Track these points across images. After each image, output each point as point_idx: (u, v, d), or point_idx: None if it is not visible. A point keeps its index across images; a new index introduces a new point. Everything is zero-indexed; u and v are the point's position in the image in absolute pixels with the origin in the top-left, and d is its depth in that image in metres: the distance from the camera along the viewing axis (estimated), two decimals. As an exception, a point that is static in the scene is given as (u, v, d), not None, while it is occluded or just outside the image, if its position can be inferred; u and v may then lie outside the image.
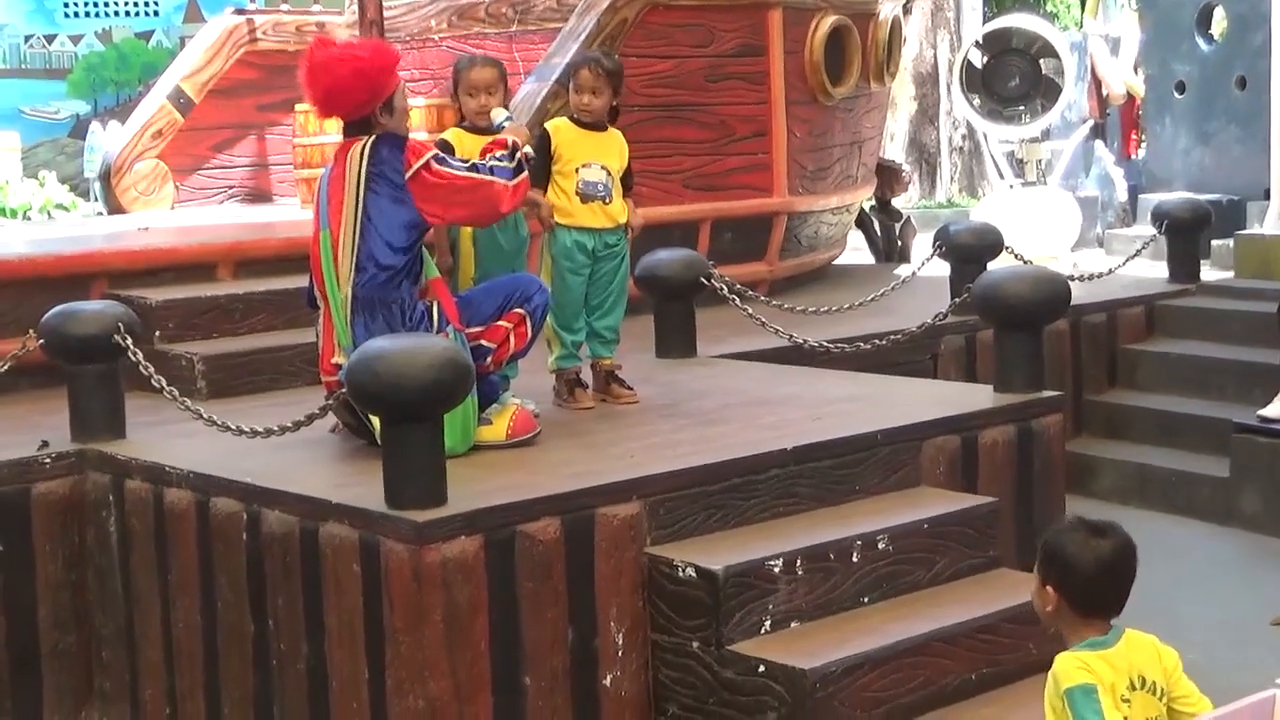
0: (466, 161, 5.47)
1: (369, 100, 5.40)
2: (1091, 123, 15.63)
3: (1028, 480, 5.99)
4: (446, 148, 5.73)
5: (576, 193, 6.13)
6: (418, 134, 6.04)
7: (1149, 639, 3.56)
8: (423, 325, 5.36)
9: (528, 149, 5.66)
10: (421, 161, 5.33)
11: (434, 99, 9.54)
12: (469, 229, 5.89)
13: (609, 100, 6.20)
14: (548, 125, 6.30)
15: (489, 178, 5.40)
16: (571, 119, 6.23)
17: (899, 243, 12.37)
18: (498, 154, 5.49)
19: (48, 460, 5.77)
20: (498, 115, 5.88)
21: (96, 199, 11.83)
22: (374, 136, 5.39)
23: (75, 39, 21.38)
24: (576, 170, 6.14)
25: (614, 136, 6.28)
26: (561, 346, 6.22)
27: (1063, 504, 6.13)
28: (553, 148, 6.15)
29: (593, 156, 6.18)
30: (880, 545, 5.17)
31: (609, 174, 6.19)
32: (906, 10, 12.55)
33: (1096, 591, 3.52)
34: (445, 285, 5.56)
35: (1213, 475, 7.90)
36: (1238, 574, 7.17)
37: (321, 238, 5.43)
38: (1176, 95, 13.06)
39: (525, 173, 5.53)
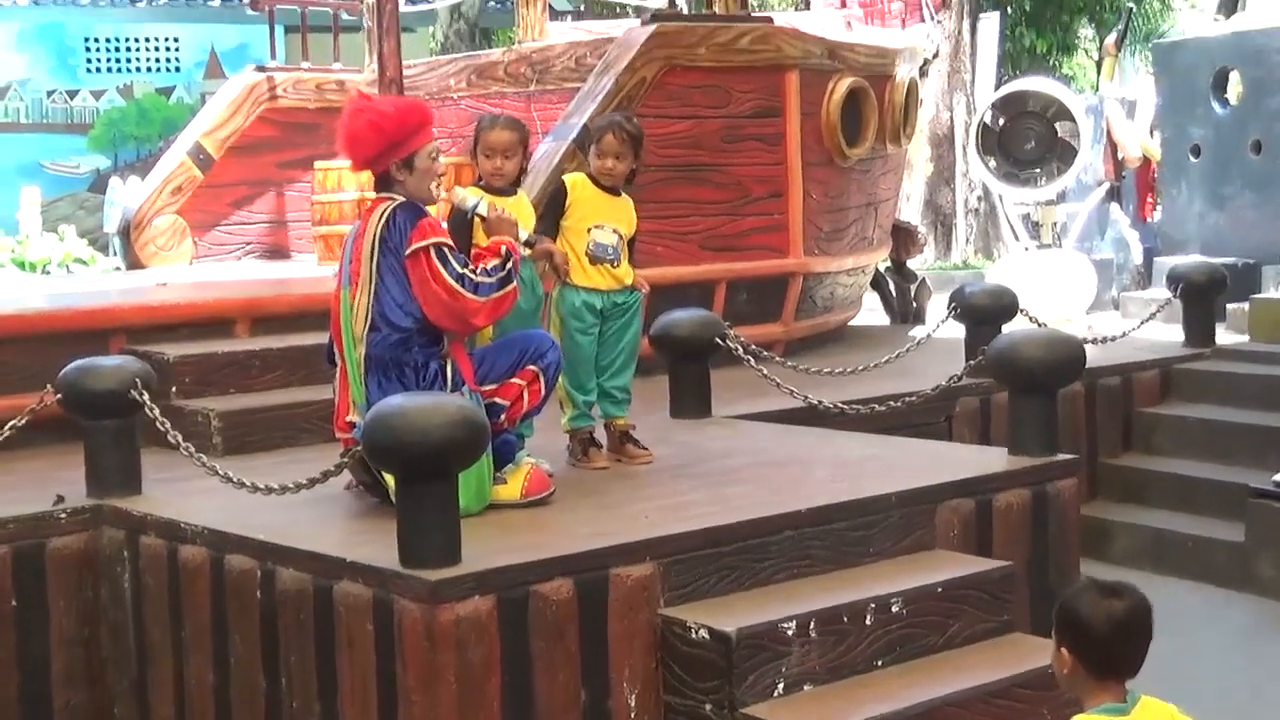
0: (462, 263, 5.40)
1: (384, 154, 5.44)
2: (1107, 185, 15.65)
3: (1042, 544, 5.98)
4: (462, 225, 5.73)
5: (586, 253, 6.15)
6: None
7: (1167, 709, 3.54)
8: (436, 384, 5.38)
9: (524, 240, 5.66)
10: (422, 245, 5.34)
11: (452, 157, 9.60)
12: None
13: (630, 164, 6.22)
14: (566, 179, 6.31)
15: (468, 294, 5.35)
16: (590, 178, 6.25)
17: (914, 304, 12.38)
18: (490, 264, 5.44)
19: (63, 515, 5.78)
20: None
21: (115, 254, 11.90)
22: (396, 203, 5.43)
23: (97, 94, 21.55)
24: (589, 230, 6.16)
25: (627, 202, 6.30)
26: (574, 407, 6.23)
27: (1078, 568, 6.11)
28: (567, 202, 6.17)
29: (606, 218, 6.20)
30: (894, 608, 5.16)
31: (620, 237, 6.22)
32: (923, 72, 12.58)
33: (1111, 653, 3.51)
34: (462, 345, 5.57)
35: (1228, 540, 7.86)
36: (1253, 640, 7.13)
37: (343, 295, 5.46)
38: (1192, 159, 13.08)
39: (514, 283, 5.50)
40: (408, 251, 5.35)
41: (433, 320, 5.41)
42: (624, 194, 6.30)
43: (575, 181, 6.25)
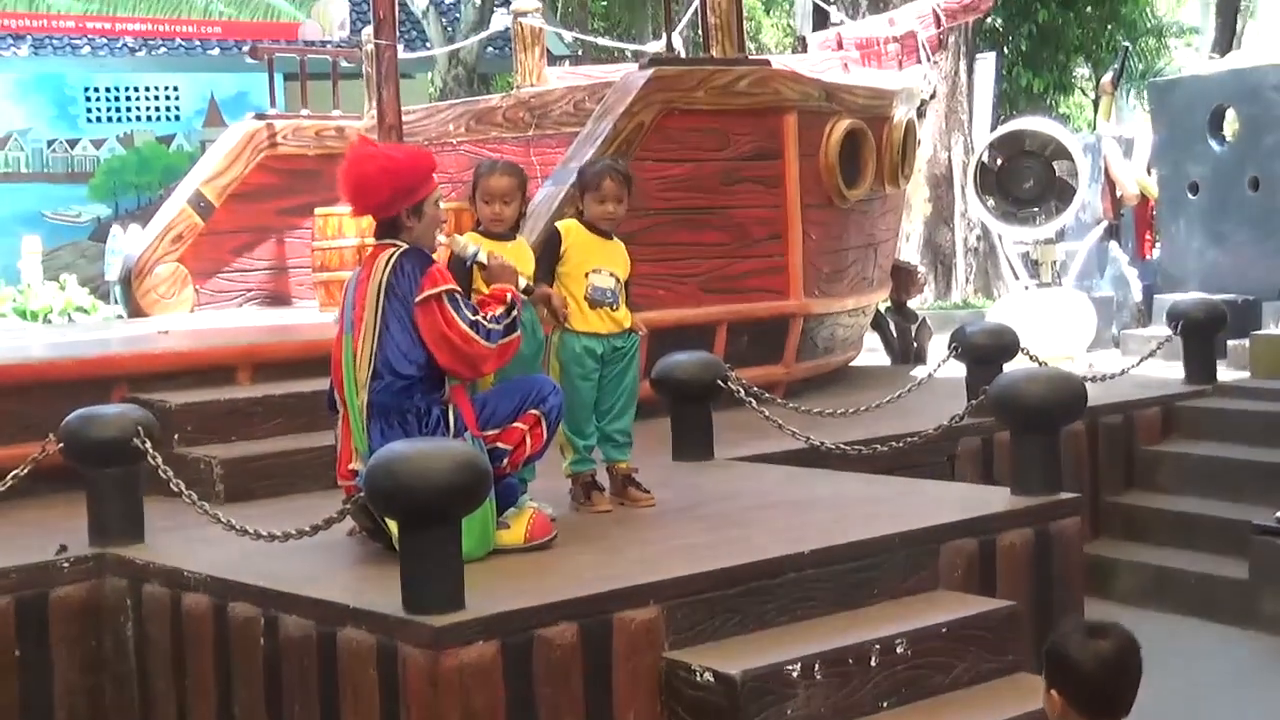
0: (473, 310, 5.45)
1: (393, 200, 5.45)
2: (1106, 224, 15.68)
3: (1046, 583, 5.97)
4: (460, 271, 5.74)
5: (585, 297, 6.16)
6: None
7: (1167, 747, 3.53)
8: (438, 430, 5.38)
9: (522, 287, 5.68)
10: (434, 292, 5.36)
11: (452, 202, 9.62)
12: None
13: (626, 207, 6.25)
14: (559, 225, 6.32)
15: (481, 341, 5.39)
16: (583, 222, 6.27)
17: (915, 344, 12.39)
18: (497, 312, 5.47)
19: (66, 564, 5.77)
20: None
21: (117, 302, 11.94)
22: (401, 250, 5.44)
23: (97, 143, 21.63)
24: (586, 275, 6.17)
25: (619, 245, 6.32)
26: (574, 451, 6.23)
27: (1081, 607, 6.10)
28: (562, 248, 6.17)
29: (602, 262, 6.21)
30: (899, 649, 5.15)
31: (617, 280, 6.23)
32: (920, 113, 12.63)
33: (1100, 693, 3.50)
34: (464, 390, 5.57)
35: (1232, 577, 7.84)
36: (1258, 677, 7.10)
37: (344, 341, 5.47)
38: (1190, 196, 13.11)
39: (518, 330, 5.55)
40: (418, 298, 5.35)
41: (443, 366, 5.42)
42: (615, 237, 6.32)
43: (569, 227, 6.26)
